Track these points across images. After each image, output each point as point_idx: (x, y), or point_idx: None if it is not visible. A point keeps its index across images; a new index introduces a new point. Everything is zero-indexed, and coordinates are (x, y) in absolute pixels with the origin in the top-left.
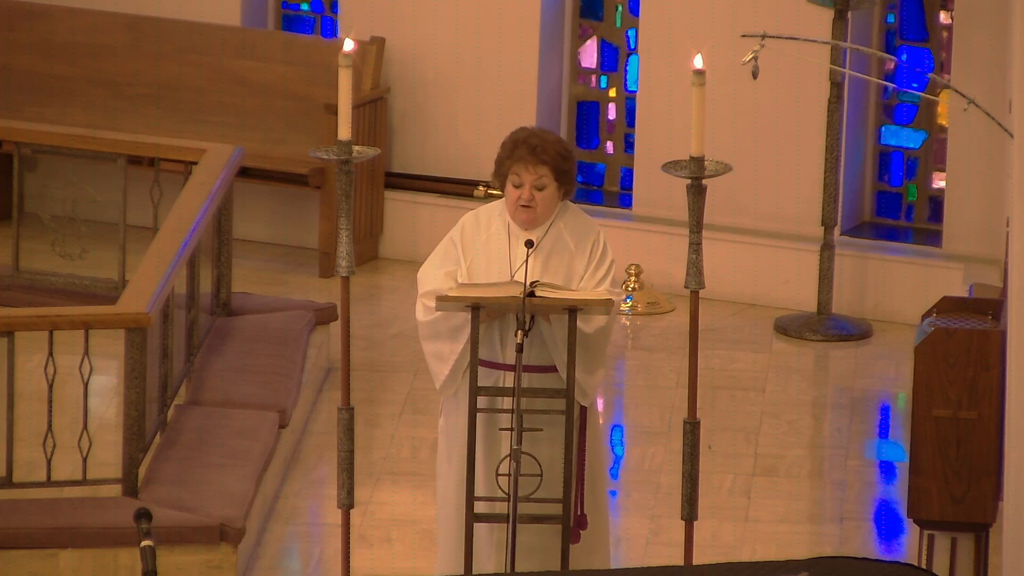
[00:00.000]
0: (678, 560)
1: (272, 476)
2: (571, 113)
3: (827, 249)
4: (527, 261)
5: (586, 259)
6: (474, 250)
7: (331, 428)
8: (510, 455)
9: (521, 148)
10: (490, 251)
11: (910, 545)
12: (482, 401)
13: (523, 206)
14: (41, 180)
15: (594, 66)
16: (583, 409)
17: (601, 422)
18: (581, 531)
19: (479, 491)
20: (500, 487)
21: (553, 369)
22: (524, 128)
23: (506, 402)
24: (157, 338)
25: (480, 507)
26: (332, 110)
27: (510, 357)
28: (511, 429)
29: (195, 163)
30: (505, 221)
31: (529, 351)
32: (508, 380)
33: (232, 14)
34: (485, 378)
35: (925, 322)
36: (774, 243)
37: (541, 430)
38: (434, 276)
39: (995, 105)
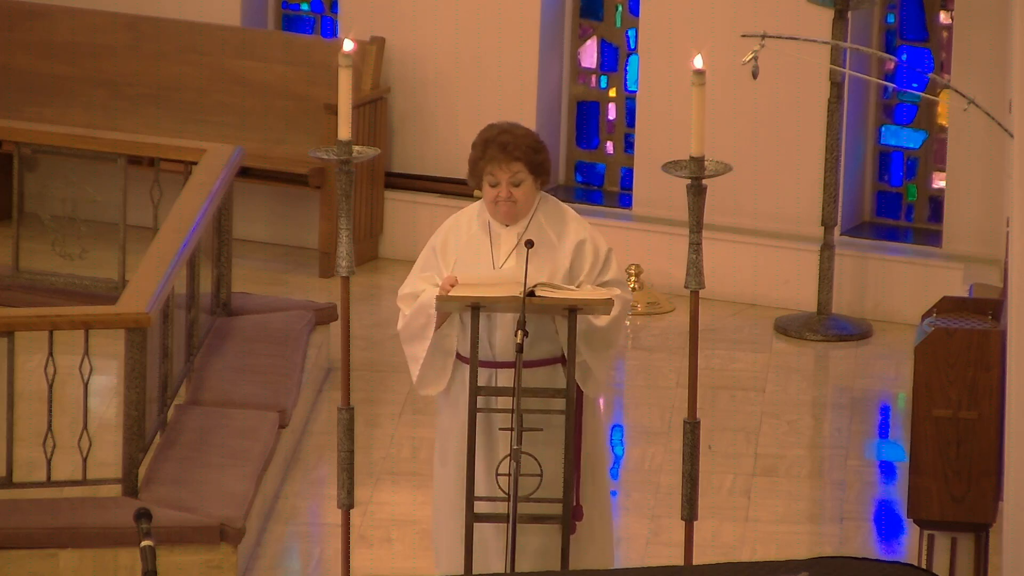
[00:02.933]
0: (678, 560)
1: (272, 476)
2: (571, 113)
3: (827, 249)
4: (527, 261)
5: (570, 254)
6: (455, 253)
7: (331, 428)
8: (510, 455)
9: (492, 147)
10: (472, 252)
11: (910, 545)
12: (479, 401)
13: (503, 201)
14: (41, 180)
15: (594, 66)
16: (580, 401)
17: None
18: (577, 522)
19: (479, 491)
20: (500, 487)
21: (550, 362)
22: (493, 125)
23: (503, 402)
24: (157, 338)
25: (482, 507)
26: (332, 110)
27: (500, 354)
28: (511, 429)
29: (195, 163)
30: (484, 220)
31: (528, 347)
32: (500, 378)
33: (232, 14)
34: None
35: (925, 322)
36: (774, 243)
37: (541, 430)
38: (410, 282)
39: (995, 105)
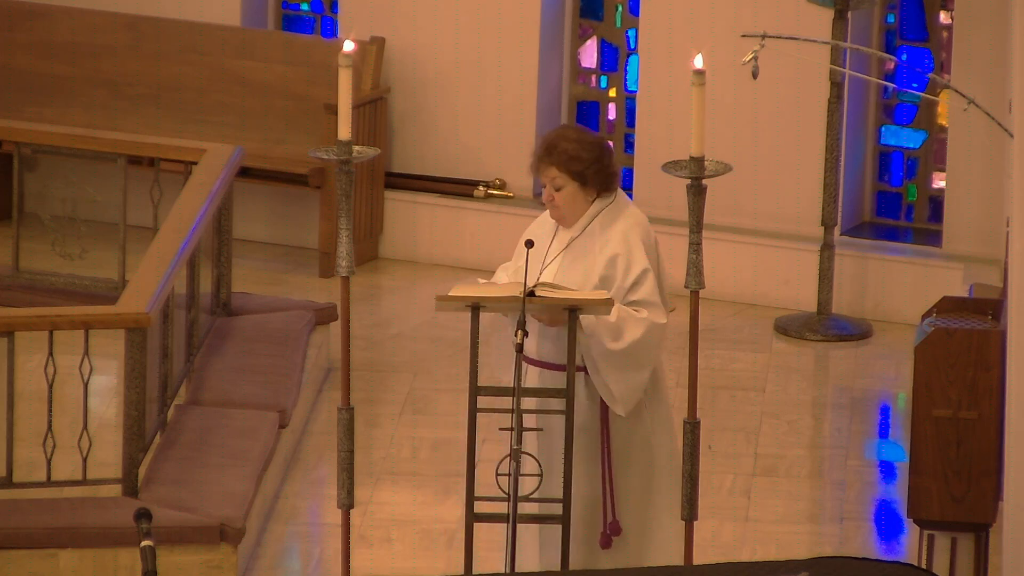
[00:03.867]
0: (678, 560)
1: (272, 476)
2: (571, 113)
3: (827, 249)
4: (527, 261)
5: (603, 267)
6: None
7: (331, 428)
8: (510, 455)
9: (538, 150)
10: (535, 248)
11: (910, 545)
12: (484, 401)
13: (547, 204)
14: (41, 180)
15: (594, 66)
16: (606, 415)
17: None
18: (614, 537)
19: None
20: (500, 488)
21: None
22: (560, 127)
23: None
24: (157, 338)
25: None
26: (332, 110)
27: (547, 354)
28: (511, 429)
29: (195, 163)
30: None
31: (555, 351)
32: (532, 376)
33: (232, 14)
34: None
35: (925, 322)
36: (774, 243)
37: (541, 430)
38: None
39: (995, 105)
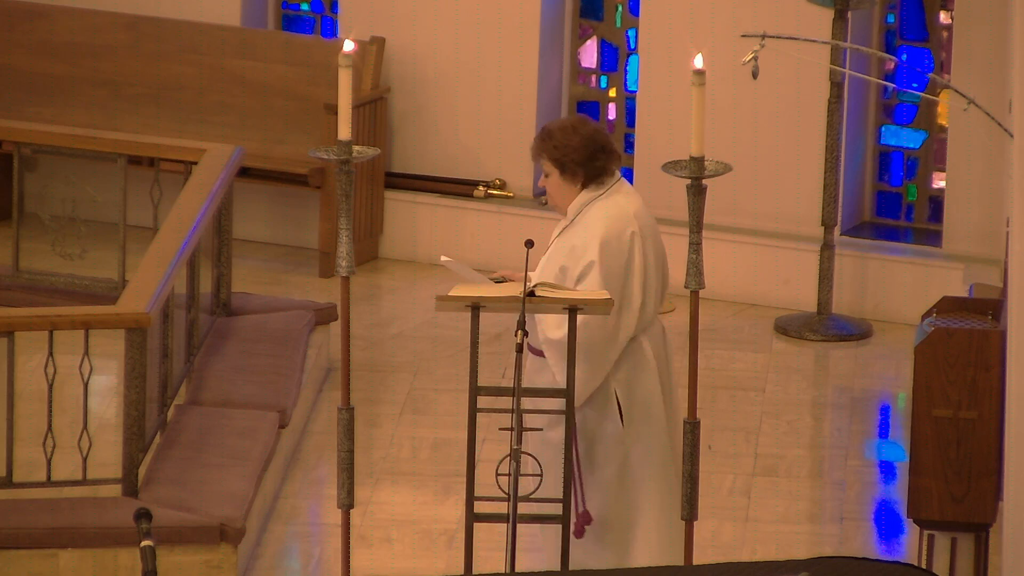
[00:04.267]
0: (678, 560)
1: (272, 476)
2: (571, 113)
3: (827, 249)
4: (527, 260)
5: (563, 259)
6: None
7: (331, 428)
8: (510, 455)
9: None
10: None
11: (910, 545)
12: (484, 401)
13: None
14: (41, 180)
15: (594, 66)
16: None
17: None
18: (586, 526)
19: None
20: (500, 489)
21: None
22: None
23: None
24: (157, 338)
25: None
26: (332, 110)
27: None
28: (511, 429)
29: (195, 163)
30: None
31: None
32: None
33: (232, 14)
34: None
35: (925, 322)
36: (774, 243)
37: (541, 429)
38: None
39: (995, 105)
